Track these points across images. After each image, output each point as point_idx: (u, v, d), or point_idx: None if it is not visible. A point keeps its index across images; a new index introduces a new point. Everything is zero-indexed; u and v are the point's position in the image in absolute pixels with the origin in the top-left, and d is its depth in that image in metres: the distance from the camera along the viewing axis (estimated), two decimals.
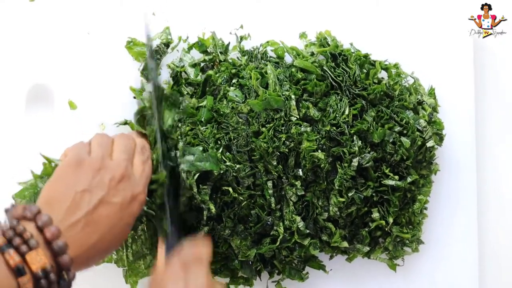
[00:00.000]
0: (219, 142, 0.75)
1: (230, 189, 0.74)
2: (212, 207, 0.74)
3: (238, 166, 0.74)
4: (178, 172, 0.74)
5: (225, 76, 0.80)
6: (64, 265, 0.54)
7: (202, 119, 0.76)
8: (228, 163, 0.74)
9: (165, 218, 0.72)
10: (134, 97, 0.82)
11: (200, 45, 0.84)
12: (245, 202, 0.74)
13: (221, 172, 0.74)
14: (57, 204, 0.58)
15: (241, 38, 0.86)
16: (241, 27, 0.86)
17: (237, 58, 0.84)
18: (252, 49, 0.84)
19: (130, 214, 0.64)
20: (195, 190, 0.73)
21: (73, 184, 0.60)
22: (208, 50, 0.84)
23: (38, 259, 0.52)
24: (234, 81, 0.80)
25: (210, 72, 0.80)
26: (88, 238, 0.59)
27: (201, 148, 0.74)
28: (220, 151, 0.75)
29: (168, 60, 0.84)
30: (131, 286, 0.80)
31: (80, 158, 0.63)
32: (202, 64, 0.83)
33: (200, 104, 0.78)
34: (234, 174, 0.74)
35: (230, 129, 0.75)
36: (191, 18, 0.87)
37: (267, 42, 0.84)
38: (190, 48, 0.84)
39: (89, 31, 0.86)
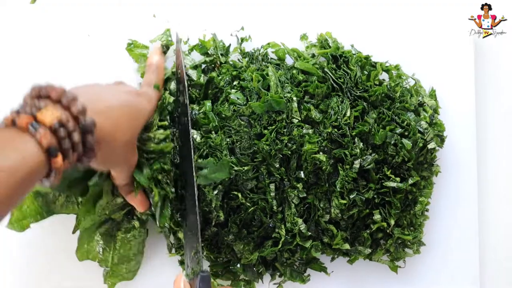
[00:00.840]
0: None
1: (239, 195, 0.74)
2: (221, 214, 0.74)
3: (245, 168, 0.74)
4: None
5: (227, 79, 0.79)
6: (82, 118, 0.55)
7: (214, 124, 0.76)
8: (236, 168, 0.74)
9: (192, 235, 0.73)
10: None
11: (201, 47, 0.84)
12: (252, 208, 0.74)
13: (231, 177, 0.74)
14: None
15: (242, 40, 0.85)
16: (242, 28, 0.86)
17: (238, 60, 0.84)
18: (253, 51, 0.84)
19: (145, 107, 0.69)
20: (215, 203, 0.73)
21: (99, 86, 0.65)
22: (209, 52, 0.84)
23: (50, 113, 0.52)
24: (235, 83, 0.79)
25: (213, 74, 0.80)
26: (102, 105, 0.60)
27: (212, 160, 0.73)
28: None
29: (168, 62, 0.83)
30: (108, 286, 0.81)
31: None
32: (203, 66, 0.83)
33: (201, 110, 0.78)
34: (243, 178, 0.74)
35: (233, 132, 0.75)
36: (192, 20, 0.87)
37: (268, 44, 0.84)
38: (191, 50, 0.84)
39: (89, 33, 0.86)
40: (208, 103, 0.77)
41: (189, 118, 0.74)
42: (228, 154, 0.74)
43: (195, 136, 0.75)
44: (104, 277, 0.80)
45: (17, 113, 0.52)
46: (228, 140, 0.75)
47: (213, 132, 0.75)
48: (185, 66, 0.79)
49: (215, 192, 0.73)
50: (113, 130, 0.60)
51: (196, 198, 0.70)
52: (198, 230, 0.70)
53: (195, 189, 0.71)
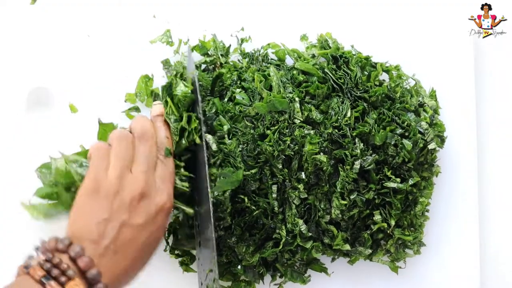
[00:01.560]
0: None
1: (246, 199, 0.74)
2: (229, 218, 0.74)
3: (252, 171, 0.74)
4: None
5: (234, 78, 0.79)
6: None
7: (227, 128, 0.75)
8: (246, 173, 0.73)
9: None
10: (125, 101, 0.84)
11: (201, 48, 0.84)
12: (257, 211, 0.74)
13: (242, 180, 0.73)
14: (83, 235, 0.59)
15: (242, 40, 0.85)
16: (242, 29, 0.86)
17: (238, 60, 0.84)
18: (253, 52, 0.84)
19: (158, 228, 0.64)
20: (227, 206, 0.73)
21: (94, 214, 0.60)
22: (209, 52, 0.84)
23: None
24: (237, 83, 0.79)
25: (222, 70, 0.80)
26: (118, 263, 0.60)
27: (227, 170, 0.73)
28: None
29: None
30: None
31: (97, 184, 0.62)
32: (203, 66, 0.83)
33: (213, 110, 0.77)
34: (251, 181, 0.74)
35: (239, 133, 0.75)
36: (192, 20, 0.87)
37: (268, 44, 0.84)
38: (191, 50, 0.84)
39: (89, 34, 0.86)
40: (218, 101, 0.77)
41: (204, 146, 0.72)
42: (241, 161, 0.74)
43: (211, 142, 0.74)
44: None
45: (47, 273, 0.55)
46: (240, 147, 0.74)
47: (226, 137, 0.75)
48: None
49: (225, 194, 0.73)
50: (125, 271, 0.61)
51: (211, 214, 0.69)
52: (214, 248, 0.68)
53: (211, 205, 0.69)
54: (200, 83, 0.78)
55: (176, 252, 0.81)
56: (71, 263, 0.56)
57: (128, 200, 0.62)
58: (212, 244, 0.68)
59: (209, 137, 0.74)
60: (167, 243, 0.80)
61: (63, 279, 0.54)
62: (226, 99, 0.78)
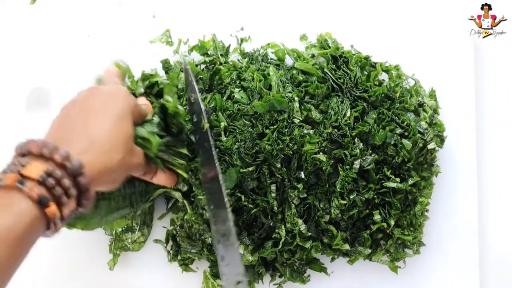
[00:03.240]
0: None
1: (243, 197, 0.74)
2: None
3: (250, 169, 0.74)
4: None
5: (233, 77, 0.79)
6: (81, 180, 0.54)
7: (224, 125, 0.75)
8: (242, 170, 0.73)
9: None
10: None
11: (201, 47, 0.84)
12: (255, 210, 0.74)
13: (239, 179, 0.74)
14: (64, 138, 0.58)
15: (242, 40, 0.86)
16: (242, 29, 0.86)
17: (238, 60, 0.84)
18: (252, 51, 0.84)
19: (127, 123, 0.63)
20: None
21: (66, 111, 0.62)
22: (209, 52, 0.84)
23: (35, 168, 0.52)
24: (236, 82, 0.79)
25: (220, 66, 0.80)
26: (99, 158, 0.58)
27: (233, 170, 0.73)
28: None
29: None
30: (113, 256, 0.81)
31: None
32: (202, 66, 0.83)
33: (211, 105, 0.77)
34: (248, 179, 0.74)
35: (237, 131, 0.75)
36: (191, 20, 0.87)
37: (268, 44, 0.84)
38: (190, 50, 0.84)
39: (89, 34, 0.86)
40: (218, 97, 0.77)
41: (212, 144, 0.73)
42: (237, 159, 0.74)
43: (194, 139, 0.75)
44: (110, 247, 0.82)
45: (4, 173, 0.52)
46: (237, 144, 0.74)
47: (222, 134, 0.75)
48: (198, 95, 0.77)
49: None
50: (106, 160, 0.59)
51: (232, 228, 0.71)
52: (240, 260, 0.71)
53: (230, 220, 0.71)
54: (201, 76, 0.79)
55: (180, 257, 0.81)
56: (67, 177, 0.53)
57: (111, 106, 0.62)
58: (237, 257, 0.71)
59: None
60: (169, 252, 0.81)
61: (64, 200, 0.52)
62: (225, 98, 0.78)
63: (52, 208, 0.51)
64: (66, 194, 0.52)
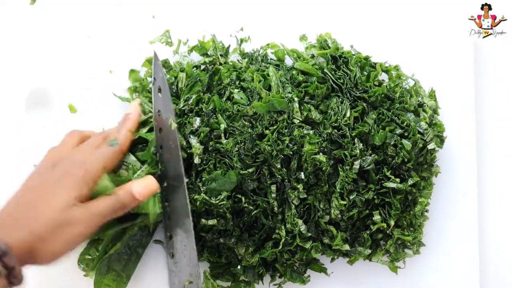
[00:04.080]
0: None
1: (243, 198, 0.74)
2: (230, 223, 0.74)
3: (250, 170, 0.74)
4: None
5: (233, 78, 0.79)
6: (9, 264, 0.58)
7: (224, 126, 0.75)
8: (243, 172, 0.73)
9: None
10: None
11: (200, 48, 0.84)
12: (255, 211, 0.74)
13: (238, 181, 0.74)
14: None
15: (241, 40, 0.85)
16: (241, 29, 0.86)
17: (238, 60, 0.84)
18: (252, 52, 0.84)
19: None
20: (227, 215, 0.74)
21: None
22: (208, 52, 0.84)
23: None
24: (236, 83, 0.79)
25: (220, 66, 0.80)
26: (29, 231, 0.62)
27: (219, 172, 0.73)
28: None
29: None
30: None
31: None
32: (202, 67, 0.83)
33: (210, 107, 0.77)
34: (248, 181, 0.74)
35: (237, 132, 0.75)
36: (191, 21, 0.87)
37: (268, 44, 0.84)
38: (190, 51, 0.84)
39: (89, 34, 0.86)
40: (217, 99, 0.77)
41: (182, 163, 0.74)
42: (238, 161, 0.74)
43: (194, 142, 0.75)
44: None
45: None
46: (237, 146, 0.74)
47: (222, 136, 0.75)
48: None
49: (222, 196, 0.73)
50: (37, 242, 0.62)
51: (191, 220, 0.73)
52: (196, 258, 0.73)
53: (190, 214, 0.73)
54: (200, 78, 0.79)
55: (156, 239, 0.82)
56: None
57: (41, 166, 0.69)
58: (194, 254, 0.73)
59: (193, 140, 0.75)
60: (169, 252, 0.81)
61: None
62: (224, 99, 0.78)
63: None
64: None
